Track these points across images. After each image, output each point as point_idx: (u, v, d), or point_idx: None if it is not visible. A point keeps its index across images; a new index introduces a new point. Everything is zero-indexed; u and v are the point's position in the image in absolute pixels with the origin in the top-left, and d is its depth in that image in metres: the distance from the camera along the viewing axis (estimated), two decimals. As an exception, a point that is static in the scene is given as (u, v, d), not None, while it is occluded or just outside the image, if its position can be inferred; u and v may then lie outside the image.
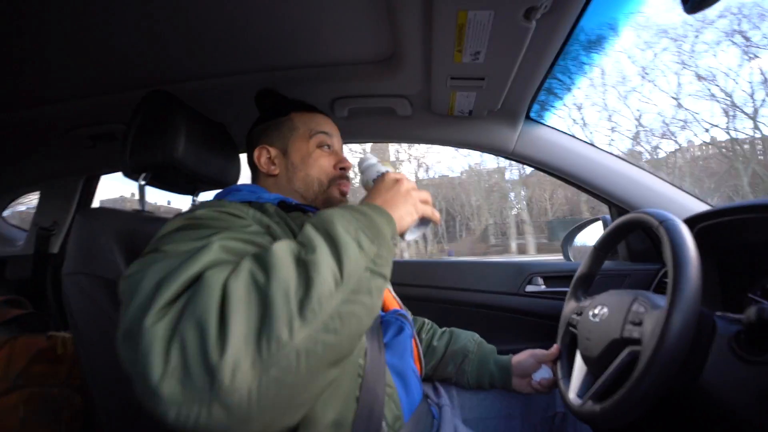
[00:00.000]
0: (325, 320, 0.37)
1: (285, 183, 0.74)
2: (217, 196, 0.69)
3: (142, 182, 0.77)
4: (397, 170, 0.68)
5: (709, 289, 0.79)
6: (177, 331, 0.34)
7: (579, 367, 0.71)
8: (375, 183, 0.61)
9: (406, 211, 0.55)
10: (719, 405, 0.53)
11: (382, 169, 0.66)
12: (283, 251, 0.40)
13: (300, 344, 0.34)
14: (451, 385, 0.85)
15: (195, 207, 0.56)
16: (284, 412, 0.36)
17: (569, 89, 1.07)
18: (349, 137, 1.19)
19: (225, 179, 0.88)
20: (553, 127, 1.10)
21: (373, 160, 0.69)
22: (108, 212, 0.68)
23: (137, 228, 0.70)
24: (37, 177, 1.46)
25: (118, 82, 0.93)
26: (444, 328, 0.93)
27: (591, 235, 1.24)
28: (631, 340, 0.57)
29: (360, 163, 0.70)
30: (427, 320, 0.95)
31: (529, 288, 1.18)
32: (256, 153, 0.75)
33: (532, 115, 1.09)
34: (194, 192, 0.93)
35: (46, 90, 0.95)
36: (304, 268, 0.38)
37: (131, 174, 0.77)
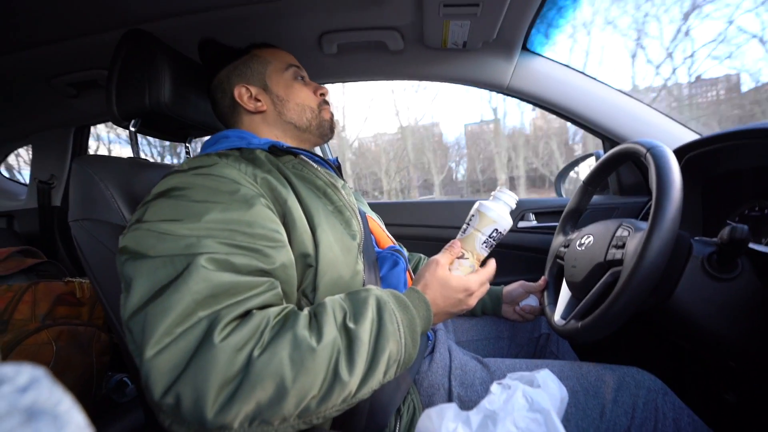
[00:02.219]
0: (314, 420, 0.41)
1: (275, 117, 0.72)
2: (204, 146, 0.68)
3: (132, 129, 0.76)
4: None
5: (692, 215, 0.82)
6: (174, 385, 0.36)
7: (564, 294, 0.76)
8: (454, 288, 0.56)
9: (451, 315, 0.58)
10: (688, 319, 0.57)
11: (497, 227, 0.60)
12: (324, 355, 0.40)
13: (281, 429, 0.40)
14: (446, 313, 0.92)
15: (181, 168, 0.54)
16: None
17: (570, 13, 1.00)
18: (339, 76, 1.16)
19: (215, 125, 0.86)
20: (550, 59, 1.06)
21: (504, 210, 0.61)
22: (104, 159, 0.69)
23: (133, 174, 0.71)
24: (25, 130, 1.44)
25: (92, 22, 0.88)
26: None
27: (583, 171, 1.25)
28: (614, 262, 0.60)
29: (499, 194, 0.62)
30: (423, 255, 1.00)
31: (522, 224, 1.21)
32: (236, 93, 0.71)
33: (529, 45, 1.04)
34: (186, 138, 0.92)
35: (19, 34, 0.90)
36: (332, 383, 0.40)
37: (120, 122, 0.76)
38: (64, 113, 1.31)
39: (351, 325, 0.44)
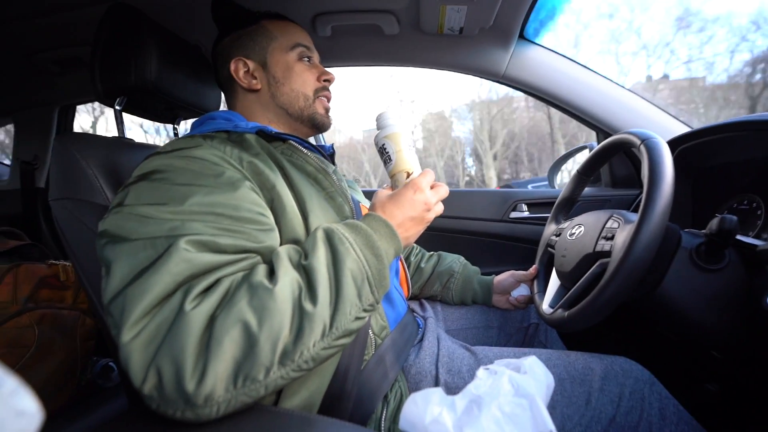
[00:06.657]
0: (300, 364, 0.40)
1: (268, 99, 0.69)
2: (192, 127, 0.66)
3: (118, 107, 0.74)
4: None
5: (682, 208, 0.83)
6: (153, 361, 0.36)
7: (554, 283, 0.76)
8: (402, 194, 0.55)
9: (418, 232, 0.57)
10: (674, 309, 0.58)
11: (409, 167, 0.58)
12: (284, 294, 0.40)
13: (271, 382, 0.38)
14: (437, 302, 0.92)
15: (164, 150, 0.52)
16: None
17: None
18: (333, 59, 1.13)
19: (205, 105, 0.84)
20: (546, 48, 1.05)
21: (395, 128, 0.59)
22: (86, 137, 0.67)
23: (118, 154, 0.69)
24: (7, 107, 1.39)
25: None
26: (432, 252, 0.98)
27: (577, 163, 1.25)
28: (602, 254, 0.61)
29: (381, 119, 0.61)
30: (416, 245, 1.00)
31: (513, 214, 1.21)
32: (232, 66, 0.69)
33: (525, 34, 1.02)
34: (174, 120, 0.90)
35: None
36: (300, 318, 0.40)
37: (104, 99, 0.74)
38: (47, 91, 1.27)
39: (304, 261, 0.44)
